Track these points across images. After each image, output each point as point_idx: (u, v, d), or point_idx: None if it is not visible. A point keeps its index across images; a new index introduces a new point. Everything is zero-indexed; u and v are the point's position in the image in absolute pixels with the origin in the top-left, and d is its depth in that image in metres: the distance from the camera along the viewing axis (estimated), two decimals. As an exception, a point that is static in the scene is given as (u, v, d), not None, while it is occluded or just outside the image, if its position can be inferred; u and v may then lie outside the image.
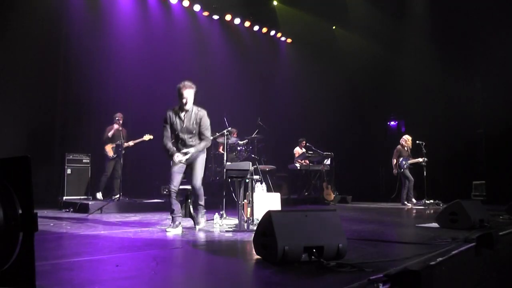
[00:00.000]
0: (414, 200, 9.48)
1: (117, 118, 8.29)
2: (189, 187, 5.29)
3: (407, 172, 9.58)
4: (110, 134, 8.28)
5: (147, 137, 8.32)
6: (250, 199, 5.29)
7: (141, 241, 4.02)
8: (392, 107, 12.54)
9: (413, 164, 9.57)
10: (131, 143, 8.28)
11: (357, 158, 12.07)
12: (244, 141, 8.84)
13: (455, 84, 10.83)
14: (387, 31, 11.76)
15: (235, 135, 8.82)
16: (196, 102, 4.87)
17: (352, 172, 11.69)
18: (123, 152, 8.27)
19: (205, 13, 11.32)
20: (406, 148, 9.69)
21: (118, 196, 7.94)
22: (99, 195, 8.11)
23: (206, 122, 4.87)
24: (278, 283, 2.43)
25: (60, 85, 8.83)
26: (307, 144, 10.74)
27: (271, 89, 12.69)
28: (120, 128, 8.31)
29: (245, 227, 4.82)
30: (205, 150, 4.99)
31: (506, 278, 3.83)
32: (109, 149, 8.26)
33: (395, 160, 9.64)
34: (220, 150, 9.34)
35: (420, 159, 9.33)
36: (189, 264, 3.19)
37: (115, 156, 8.25)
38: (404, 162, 9.54)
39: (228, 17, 11.64)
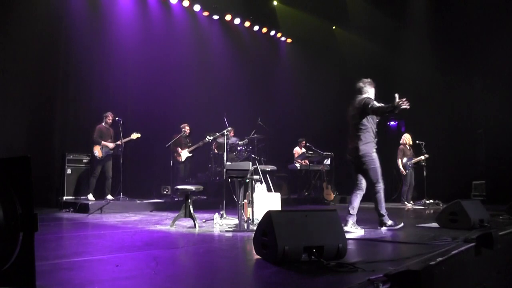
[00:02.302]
0: (406, 203, 9.40)
1: (107, 117, 8.22)
2: (189, 187, 5.29)
3: (409, 174, 9.53)
4: (99, 133, 8.15)
5: (134, 135, 8.21)
6: (250, 199, 5.28)
7: (141, 241, 4.02)
8: (392, 107, 12.51)
9: (415, 163, 9.55)
10: (118, 142, 8.13)
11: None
12: (244, 141, 8.83)
13: (455, 84, 10.82)
14: (387, 31, 11.74)
15: (231, 134, 8.79)
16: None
17: (352, 172, 11.65)
18: (112, 152, 8.22)
19: (205, 13, 11.31)
20: (408, 147, 9.68)
21: (109, 197, 7.92)
22: (90, 196, 7.97)
23: None
24: (278, 283, 2.43)
25: (60, 85, 8.81)
26: (307, 144, 10.72)
27: (271, 89, 12.68)
28: (109, 127, 8.28)
29: (245, 227, 4.82)
30: None
31: (506, 278, 3.83)
32: (98, 150, 8.12)
33: (400, 160, 9.56)
34: (215, 149, 9.32)
35: (422, 157, 9.33)
36: (189, 264, 3.19)
37: (103, 156, 8.15)
38: (408, 163, 9.50)
39: (228, 17, 11.63)
